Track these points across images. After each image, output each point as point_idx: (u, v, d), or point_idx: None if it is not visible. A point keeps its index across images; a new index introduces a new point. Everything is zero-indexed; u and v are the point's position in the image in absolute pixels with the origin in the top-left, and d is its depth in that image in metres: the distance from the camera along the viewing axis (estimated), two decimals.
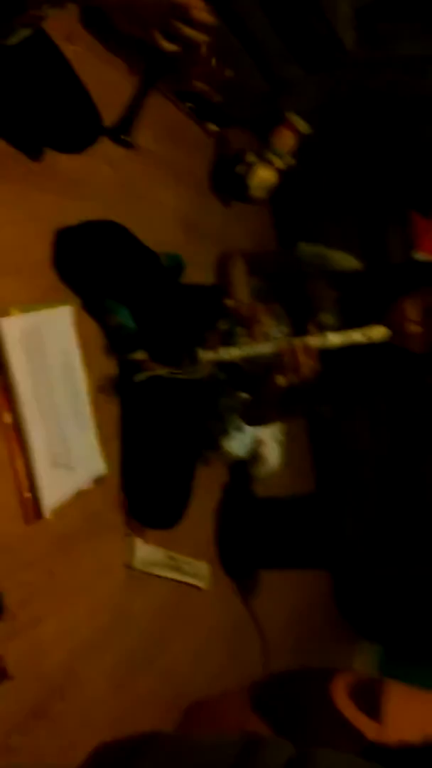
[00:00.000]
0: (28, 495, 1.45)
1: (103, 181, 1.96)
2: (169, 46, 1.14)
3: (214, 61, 1.23)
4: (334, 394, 1.83)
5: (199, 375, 1.55)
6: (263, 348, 1.52)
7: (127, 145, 1.71)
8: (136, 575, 1.83)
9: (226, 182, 2.85)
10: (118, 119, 1.56)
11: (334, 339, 1.52)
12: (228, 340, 1.82)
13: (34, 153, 1.59)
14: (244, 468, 2.52)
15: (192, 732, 1.89)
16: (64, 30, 1.72)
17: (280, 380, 1.54)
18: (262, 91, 2.64)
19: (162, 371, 1.59)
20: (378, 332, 1.54)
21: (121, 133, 1.61)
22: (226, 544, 2.39)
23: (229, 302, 1.66)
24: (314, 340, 1.51)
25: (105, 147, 1.73)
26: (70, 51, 1.64)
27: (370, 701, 1.84)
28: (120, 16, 1.14)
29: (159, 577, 1.93)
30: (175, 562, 1.99)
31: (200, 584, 2.13)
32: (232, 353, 1.52)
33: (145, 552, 1.85)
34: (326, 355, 1.56)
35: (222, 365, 1.80)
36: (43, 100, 1.49)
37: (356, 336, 1.54)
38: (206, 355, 1.51)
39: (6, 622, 1.34)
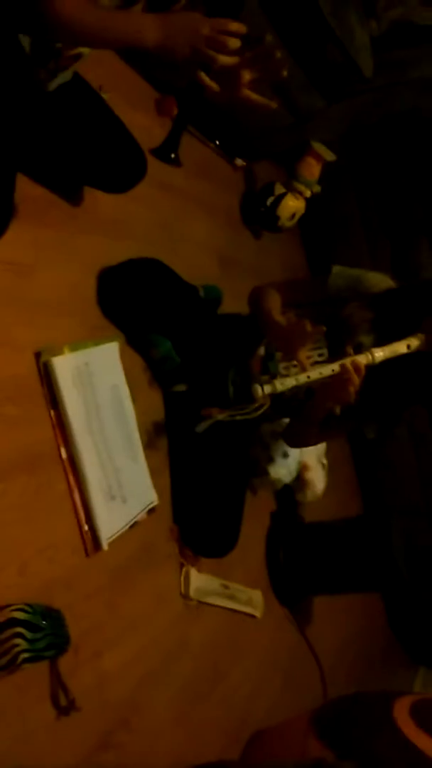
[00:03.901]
0: (86, 527, 1.49)
1: (141, 221, 2.03)
2: (210, 83, 1.18)
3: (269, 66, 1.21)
4: (377, 412, 1.83)
5: (260, 413, 1.54)
6: (314, 373, 1.52)
7: (176, 163, 1.76)
8: (192, 605, 1.85)
9: (257, 214, 2.91)
10: (164, 139, 1.60)
11: (379, 354, 1.53)
12: (267, 366, 1.85)
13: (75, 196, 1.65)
14: (290, 494, 2.54)
15: (256, 761, 1.88)
16: (97, 79, 1.80)
17: (339, 401, 1.55)
18: (287, 122, 2.70)
19: (222, 416, 1.58)
20: (418, 340, 1.56)
21: (171, 151, 1.65)
22: (277, 571, 2.39)
23: (276, 319, 1.64)
24: (362, 358, 1.51)
25: (140, 188, 1.79)
26: (104, 98, 1.71)
27: None
28: (158, 56, 1.17)
29: (214, 606, 1.94)
30: (229, 591, 2.00)
31: (254, 612, 2.13)
32: (286, 383, 1.52)
33: (200, 581, 1.86)
34: (368, 373, 1.58)
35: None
36: (87, 142, 1.55)
37: (399, 347, 1.55)
38: (262, 391, 1.51)
39: (70, 654, 1.36)
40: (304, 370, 1.54)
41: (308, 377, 1.54)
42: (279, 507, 2.53)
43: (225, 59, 1.16)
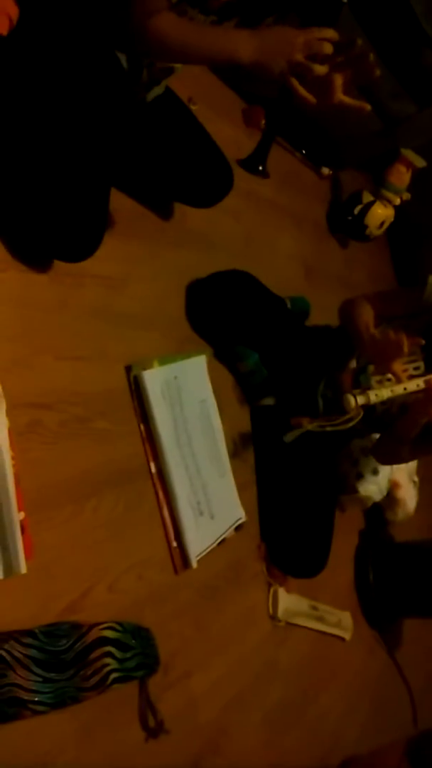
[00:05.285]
0: (175, 544, 1.46)
1: (228, 233, 2.01)
2: (306, 95, 1.14)
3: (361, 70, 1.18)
4: None
5: (351, 425, 1.48)
6: (411, 385, 1.46)
7: (264, 174, 1.73)
8: (281, 626, 1.79)
9: (344, 223, 2.85)
10: (253, 151, 1.59)
11: None
12: (359, 380, 1.79)
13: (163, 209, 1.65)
14: (380, 512, 2.45)
15: None
16: (186, 90, 1.79)
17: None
18: (376, 129, 2.63)
19: (311, 426, 1.52)
20: None
21: (259, 163, 1.63)
22: (367, 592, 2.31)
23: (371, 331, 1.58)
24: None
25: (228, 199, 1.78)
26: (192, 110, 1.70)
27: None
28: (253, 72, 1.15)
29: (303, 627, 1.89)
30: (318, 613, 1.94)
31: (344, 635, 2.06)
32: (381, 395, 1.45)
33: (289, 602, 1.81)
34: None
35: None
36: (177, 156, 1.54)
37: None
38: (356, 402, 1.44)
39: (159, 674, 1.33)
40: (399, 382, 1.48)
41: (404, 389, 1.48)
42: (368, 526, 2.45)
43: (320, 69, 1.13)
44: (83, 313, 1.40)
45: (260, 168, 1.97)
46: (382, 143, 2.74)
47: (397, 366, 1.50)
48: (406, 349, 1.46)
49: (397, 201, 2.82)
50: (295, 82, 1.12)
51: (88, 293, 1.43)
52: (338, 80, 1.18)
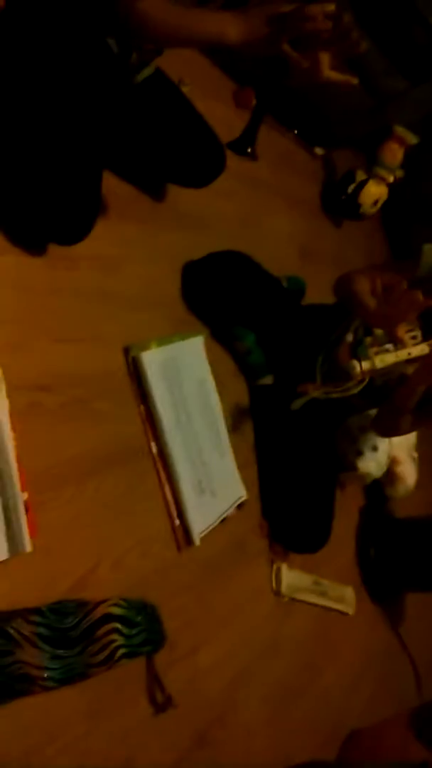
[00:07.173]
0: (177, 522, 1.48)
1: (222, 214, 2.01)
2: (294, 55, 1.14)
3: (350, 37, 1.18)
4: None
5: (356, 390, 1.48)
6: (416, 350, 1.46)
7: (252, 156, 1.73)
8: (284, 601, 1.82)
9: (338, 203, 2.85)
10: (241, 133, 1.59)
11: None
12: (356, 352, 1.80)
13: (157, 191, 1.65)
14: (380, 489, 2.47)
15: (354, 761, 1.84)
16: (176, 72, 1.79)
17: None
18: (367, 107, 2.63)
19: (317, 393, 1.53)
20: None
21: (248, 145, 1.63)
22: (369, 567, 2.33)
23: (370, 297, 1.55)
24: None
25: (221, 181, 1.78)
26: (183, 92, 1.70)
27: None
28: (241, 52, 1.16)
29: (306, 602, 1.91)
30: (320, 588, 1.95)
31: (347, 610, 2.08)
32: (386, 360, 1.45)
33: (292, 578, 1.82)
34: None
35: None
36: (169, 137, 1.54)
37: None
38: (360, 367, 1.44)
39: (165, 650, 1.35)
40: (403, 347, 1.48)
41: (409, 354, 1.48)
42: (368, 502, 2.47)
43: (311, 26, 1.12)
44: (79, 296, 1.41)
45: (249, 150, 1.97)
46: (373, 121, 2.73)
47: (401, 329, 1.50)
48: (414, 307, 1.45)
49: (391, 178, 2.81)
50: (289, 48, 1.12)
51: (83, 276, 1.43)
52: (324, 57, 1.18)
